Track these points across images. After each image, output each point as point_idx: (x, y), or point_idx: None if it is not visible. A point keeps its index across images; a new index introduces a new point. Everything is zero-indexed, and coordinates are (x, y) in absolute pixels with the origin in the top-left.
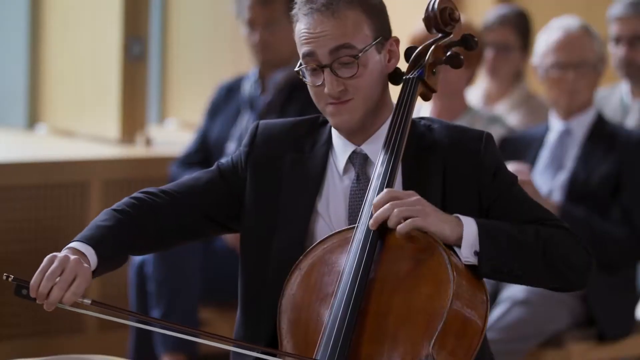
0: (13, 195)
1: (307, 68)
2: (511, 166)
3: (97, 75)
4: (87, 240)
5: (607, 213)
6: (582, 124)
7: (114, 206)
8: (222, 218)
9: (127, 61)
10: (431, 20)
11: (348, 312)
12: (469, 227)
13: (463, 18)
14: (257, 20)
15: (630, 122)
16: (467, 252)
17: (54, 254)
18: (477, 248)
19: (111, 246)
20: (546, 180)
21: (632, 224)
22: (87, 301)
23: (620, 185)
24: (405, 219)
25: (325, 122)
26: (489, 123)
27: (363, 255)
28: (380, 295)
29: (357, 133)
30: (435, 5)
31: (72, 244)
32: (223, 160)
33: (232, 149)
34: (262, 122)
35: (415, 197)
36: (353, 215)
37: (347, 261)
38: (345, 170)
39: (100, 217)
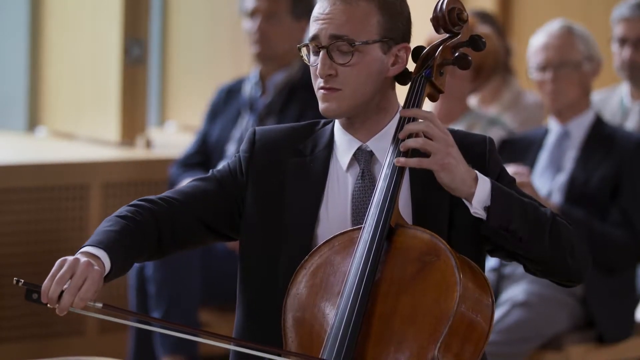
0: (13, 197)
1: (309, 48)
2: (511, 168)
3: (97, 78)
4: (99, 244)
5: (606, 215)
6: (580, 126)
7: (116, 213)
8: (220, 226)
9: (127, 64)
10: (439, 20)
11: (354, 314)
12: (483, 184)
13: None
14: (259, 9)
15: (630, 124)
16: (477, 205)
17: (65, 257)
18: (488, 203)
19: (121, 250)
20: (545, 182)
21: (631, 226)
22: (99, 305)
23: (619, 188)
24: (427, 152)
25: (325, 124)
26: (489, 125)
27: (369, 256)
28: (386, 296)
29: (359, 129)
30: (444, 6)
31: (85, 249)
32: (219, 167)
33: (232, 151)
34: (258, 128)
35: (451, 139)
36: (357, 213)
37: (354, 262)
38: (349, 166)
39: (105, 224)
